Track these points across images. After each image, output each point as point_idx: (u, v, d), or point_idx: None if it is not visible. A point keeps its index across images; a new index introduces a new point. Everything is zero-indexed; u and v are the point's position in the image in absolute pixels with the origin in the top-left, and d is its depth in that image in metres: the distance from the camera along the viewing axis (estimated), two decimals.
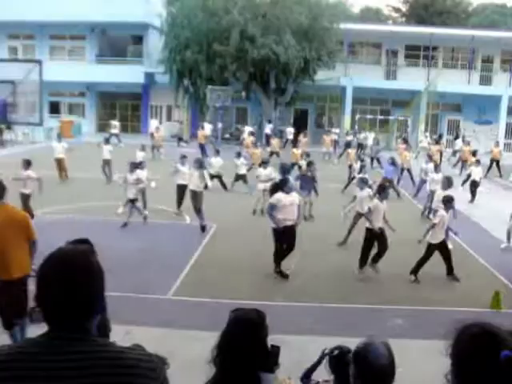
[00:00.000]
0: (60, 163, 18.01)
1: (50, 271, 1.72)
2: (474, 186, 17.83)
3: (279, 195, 9.49)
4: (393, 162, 17.30)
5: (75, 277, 1.70)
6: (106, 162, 18.13)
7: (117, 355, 1.70)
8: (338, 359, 3.54)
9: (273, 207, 9.47)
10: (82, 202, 14.72)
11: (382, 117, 34.47)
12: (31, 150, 23.05)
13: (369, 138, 28.02)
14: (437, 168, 15.44)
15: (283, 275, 9.61)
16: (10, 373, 1.61)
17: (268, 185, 12.41)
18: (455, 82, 33.01)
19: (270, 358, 2.94)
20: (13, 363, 1.64)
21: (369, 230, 9.80)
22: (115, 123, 29.89)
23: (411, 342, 7.06)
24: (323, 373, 3.68)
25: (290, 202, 9.50)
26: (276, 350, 3.00)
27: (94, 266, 1.79)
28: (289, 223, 9.49)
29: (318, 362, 3.75)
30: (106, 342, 1.77)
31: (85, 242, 4.80)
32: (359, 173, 15.32)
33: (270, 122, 31.54)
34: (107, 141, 19.58)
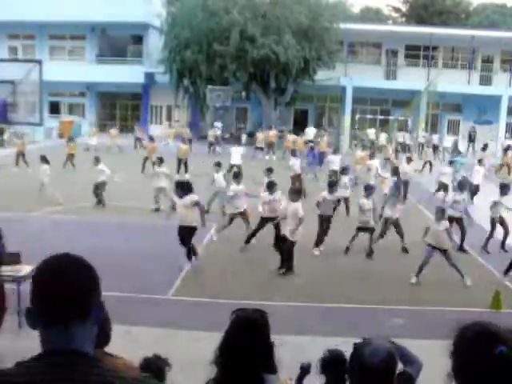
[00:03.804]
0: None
1: (43, 277, 1.64)
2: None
3: None
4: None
5: (75, 280, 1.62)
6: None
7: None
8: (328, 362, 3.56)
9: None
10: (83, 202, 14.71)
11: (382, 117, 34.48)
12: (31, 151, 23.02)
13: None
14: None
15: None
16: None
17: None
18: (455, 81, 32.98)
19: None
20: None
21: None
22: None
23: (411, 342, 7.04)
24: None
25: None
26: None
27: (92, 273, 1.69)
28: None
29: (303, 374, 3.75)
30: (107, 368, 1.64)
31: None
32: None
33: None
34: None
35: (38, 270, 1.66)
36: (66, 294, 1.60)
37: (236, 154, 19.12)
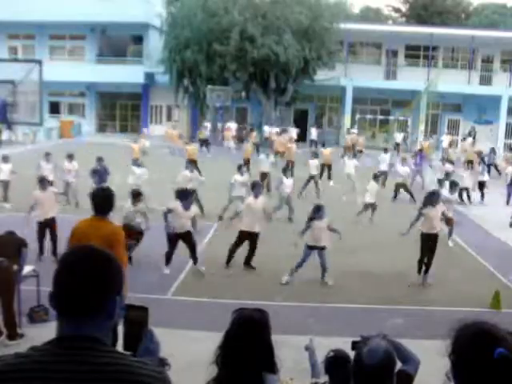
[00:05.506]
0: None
1: (66, 268, 1.67)
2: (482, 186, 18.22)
3: None
4: None
5: (93, 275, 1.65)
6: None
7: (131, 369, 1.60)
8: (333, 362, 3.56)
9: None
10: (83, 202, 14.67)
11: (382, 117, 34.46)
12: (32, 150, 23.05)
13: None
14: None
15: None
16: (18, 383, 1.52)
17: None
18: (455, 81, 32.96)
19: None
20: (18, 373, 1.54)
21: None
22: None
23: (411, 342, 7.04)
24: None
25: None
26: None
27: (113, 266, 1.72)
28: None
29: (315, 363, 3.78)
30: (120, 353, 1.68)
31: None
32: None
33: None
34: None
35: (60, 263, 1.70)
36: (77, 291, 1.63)
37: (350, 165, 19.40)
